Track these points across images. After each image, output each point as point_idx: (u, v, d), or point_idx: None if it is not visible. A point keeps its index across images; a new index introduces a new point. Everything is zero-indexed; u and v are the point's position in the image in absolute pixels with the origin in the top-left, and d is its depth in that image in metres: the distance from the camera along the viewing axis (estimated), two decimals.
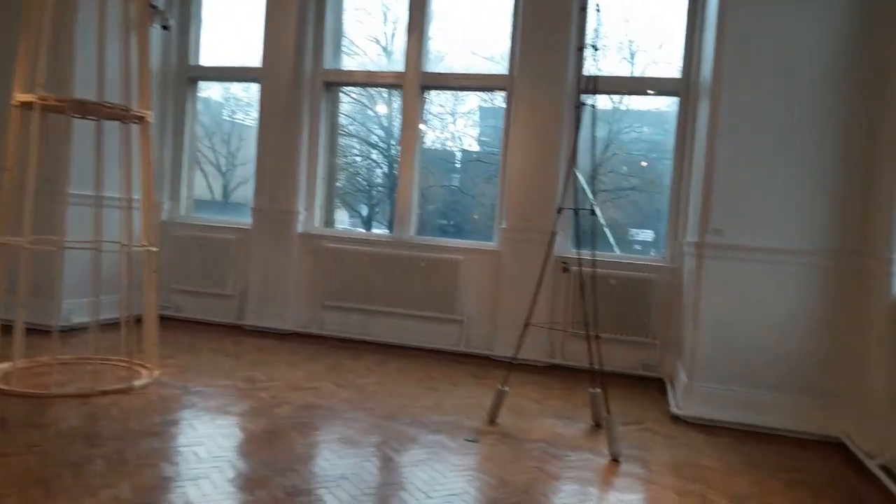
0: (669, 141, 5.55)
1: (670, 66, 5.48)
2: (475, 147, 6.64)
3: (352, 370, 4.85)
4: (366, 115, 6.76)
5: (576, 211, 3.87)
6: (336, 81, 6.29)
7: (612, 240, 5.67)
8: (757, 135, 4.05)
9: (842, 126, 3.93)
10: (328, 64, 6.23)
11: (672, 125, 5.49)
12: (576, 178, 3.83)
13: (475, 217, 6.44)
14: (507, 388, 3.86)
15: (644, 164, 6.11)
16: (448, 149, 6.64)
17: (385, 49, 6.41)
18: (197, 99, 6.77)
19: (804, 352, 4.01)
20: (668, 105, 5.76)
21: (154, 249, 4.33)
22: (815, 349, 3.99)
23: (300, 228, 6.13)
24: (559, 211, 3.94)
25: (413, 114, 5.94)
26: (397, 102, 6.28)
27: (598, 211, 3.84)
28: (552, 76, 5.43)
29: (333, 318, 6.03)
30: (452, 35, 6.14)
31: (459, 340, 5.72)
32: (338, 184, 6.80)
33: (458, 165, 6.70)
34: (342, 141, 6.71)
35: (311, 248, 6.09)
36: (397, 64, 6.12)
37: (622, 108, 5.94)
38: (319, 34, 6.16)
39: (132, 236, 4.15)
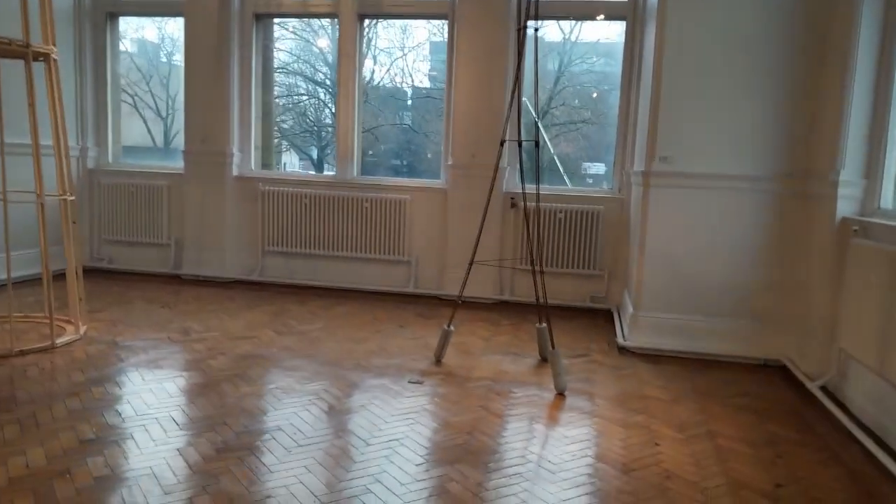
0: (619, 71, 5.37)
1: None
2: (426, 83, 6.35)
3: (295, 316, 4.69)
4: (310, 51, 6.38)
5: (519, 143, 3.70)
6: (266, 12, 5.88)
7: (563, 173, 5.55)
8: (703, 59, 3.91)
9: (787, 47, 3.81)
10: None
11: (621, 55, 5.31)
12: (520, 108, 3.64)
13: (429, 156, 6.21)
14: (452, 328, 3.76)
15: (595, 95, 5.95)
16: (398, 86, 6.34)
17: None
18: (118, 36, 6.26)
19: (748, 278, 4.00)
20: (617, 35, 5.55)
21: (71, 198, 4.02)
22: (760, 275, 3.98)
23: (235, 171, 5.82)
24: (502, 143, 3.76)
25: (350, 45, 5.61)
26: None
27: (546, 141, 3.67)
28: (496, 1, 5.16)
29: (277, 264, 5.82)
30: None
31: (408, 281, 5.59)
32: (284, 125, 6.49)
33: (409, 103, 6.42)
34: (286, 80, 6.35)
35: (248, 192, 5.80)
36: None
37: (572, 39, 5.72)
38: None
39: (42, 185, 3.83)
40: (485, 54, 5.22)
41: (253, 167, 5.94)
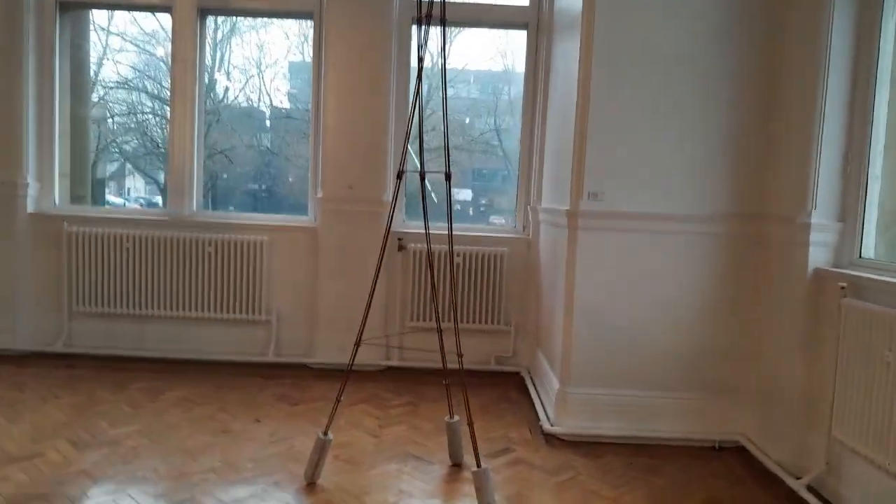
0: (490, 100, 4.65)
1: None
2: (286, 104, 5.29)
3: (107, 411, 3.38)
4: (156, 65, 5.06)
5: (422, 176, 2.74)
6: (76, 1, 4.52)
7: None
8: (637, 79, 3.16)
9: (735, 62, 3.16)
10: None
11: (493, 85, 4.56)
12: (421, 127, 2.68)
13: (290, 180, 5.20)
14: (330, 437, 2.67)
15: (466, 121, 5.19)
16: (255, 105, 5.22)
17: None
18: None
19: (699, 341, 3.27)
20: (489, 62, 4.82)
21: None
22: (713, 337, 3.27)
23: (31, 207, 4.37)
24: (399, 176, 2.76)
25: (187, 46, 4.39)
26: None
27: (451, 173, 2.72)
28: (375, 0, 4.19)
29: (89, 329, 4.40)
30: None
31: (267, 347, 4.40)
32: (127, 146, 5.25)
33: (267, 124, 5.36)
34: (129, 97, 5.00)
35: (49, 234, 4.36)
36: None
37: (439, 64, 4.88)
38: None
39: None
40: (362, 61, 4.22)
41: (57, 202, 4.50)
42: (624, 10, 3.14)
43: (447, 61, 3.22)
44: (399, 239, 4.33)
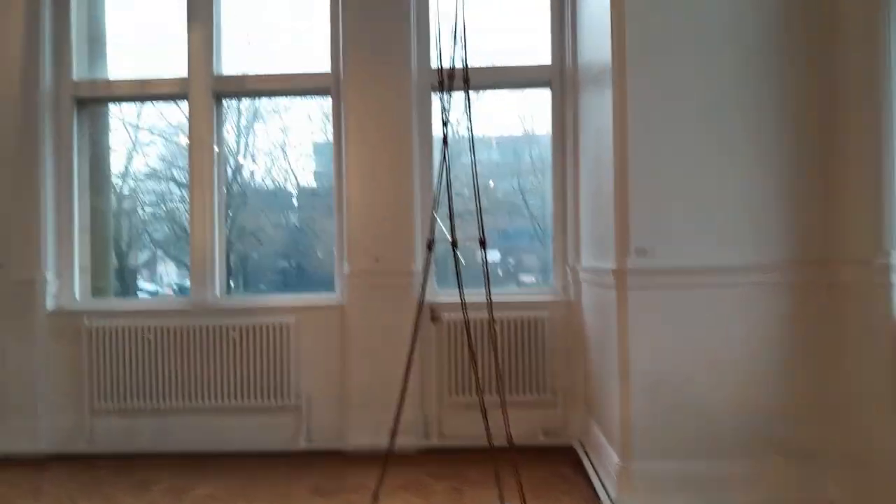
0: (512, 162, 4.69)
1: (532, 54, 4.38)
2: (312, 183, 5.27)
3: None
4: (182, 153, 5.08)
5: (454, 244, 2.55)
6: (93, 97, 4.52)
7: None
8: (677, 124, 3.00)
9: (789, 99, 2.98)
10: (80, 73, 4.46)
11: (514, 148, 4.56)
12: (450, 195, 2.51)
13: (320, 255, 5.10)
14: None
15: (491, 184, 5.05)
16: (282, 186, 5.20)
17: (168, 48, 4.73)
18: None
19: (773, 402, 2.96)
20: (510, 127, 4.74)
21: None
22: (788, 396, 2.96)
23: (50, 304, 4.24)
24: (429, 247, 2.57)
25: (204, 130, 4.34)
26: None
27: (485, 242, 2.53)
28: (392, 71, 4.13)
29: (111, 426, 4.17)
30: (255, 28, 4.65)
31: (298, 435, 4.13)
32: (157, 234, 5.20)
33: (295, 203, 5.31)
34: (158, 187, 4.98)
35: (69, 331, 4.20)
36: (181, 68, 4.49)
37: (457, 134, 4.82)
38: (63, 33, 4.38)
39: None
40: (381, 132, 4.13)
41: (77, 296, 4.37)
42: (658, 55, 3.00)
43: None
44: (432, 309, 4.11)
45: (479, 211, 2.45)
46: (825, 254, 2.94)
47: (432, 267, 4.17)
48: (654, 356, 2.97)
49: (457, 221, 3.51)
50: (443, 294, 4.18)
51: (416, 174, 4.15)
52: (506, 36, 4.41)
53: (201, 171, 4.32)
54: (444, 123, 2.49)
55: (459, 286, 2.67)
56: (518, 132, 4.94)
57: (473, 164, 2.46)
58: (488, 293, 2.48)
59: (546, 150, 4.44)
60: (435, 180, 4.27)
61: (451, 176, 4.28)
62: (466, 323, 2.77)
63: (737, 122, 2.98)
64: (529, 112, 4.74)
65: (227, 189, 4.65)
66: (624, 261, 2.98)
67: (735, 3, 3.00)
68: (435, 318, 4.12)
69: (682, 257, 2.96)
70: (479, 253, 3.87)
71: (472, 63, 2.59)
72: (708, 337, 2.96)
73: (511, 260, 5.15)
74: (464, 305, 2.68)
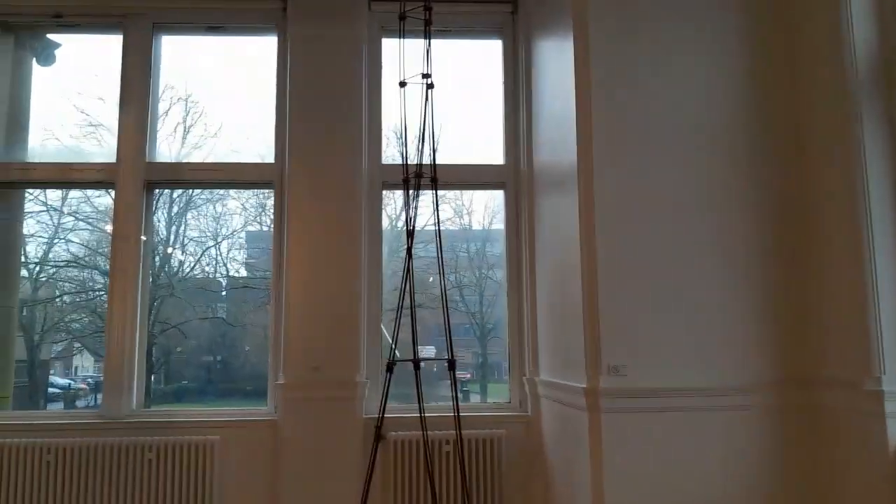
0: (449, 257, 4.35)
1: (486, 154, 4.24)
2: (243, 272, 4.91)
3: None
4: (108, 242, 4.67)
5: (416, 364, 2.23)
6: (6, 181, 4.09)
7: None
8: (649, 233, 2.83)
9: (763, 209, 2.88)
10: None
11: (451, 243, 4.37)
12: (413, 302, 2.21)
13: (247, 349, 4.75)
14: None
15: (430, 279, 4.85)
16: (211, 276, 4.82)
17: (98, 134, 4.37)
18: None
19: None
20: (447, 222, 4.62)
21: None
22: None
23: None
24: (390, 368, 2.24)
25: (130, 221, 3.95)
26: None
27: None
28: (341, 165, 3.88)
29: None
30: (195, 115, 4.37)
31: None
32: (75, 325, 4.75)
33: (223, 294, 4.92)
34: (80, 275, 4.52)
35: None
36: (108, 153, 4.12)
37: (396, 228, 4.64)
38: None
39: None
40: (329, 229, 3.83)
41: None
42: (625, 157, 2.86)
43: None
44: (377, 426, 3.69)
45: (448, 330, 2.15)
46: (806, 374, 2.75)
47: (379, 380, 3.84)
48: (632, 489, 2.66)
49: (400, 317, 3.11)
50: (389, 409, 3.77)
51: (364, 274, 3.84)
52: (458, 134, 4.28)
53: (125, 267, 3.89)
54: (409, 234, 2.22)
55: (420, 408, 2.33)
56: (454, 227, 4.81)
57: (441, 272, 2.18)
58: (457, 419, 2.15)
59: (483, 245, 4.29)
60: (384, 279, 4.00)
61: (389, 270, 4.09)
62: (427, 445, 2.40)
63: (711, 231, 2.84)
64: (467, 208, 4.62)
65: (153, 279, 4.23)
66: (596, 379, 2.71)
67: (706, 105, 2.93)
68: (381, 436, 3.69)
69: (658, 376, 2.72)
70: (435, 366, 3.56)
71: (418, 160, 2.38)
72: (688, 466, 2.68)
73: (447, 355, 4.88)
74: (424, 426, 2.34)
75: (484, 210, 4.69)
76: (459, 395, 3.16)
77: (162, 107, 4.23)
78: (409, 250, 2.24)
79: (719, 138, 2.92)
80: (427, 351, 4.68)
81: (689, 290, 2.80)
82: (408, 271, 2.21)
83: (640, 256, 2.81)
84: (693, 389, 2.72)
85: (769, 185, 2.89)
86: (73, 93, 4.26)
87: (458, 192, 4.37)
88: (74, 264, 4.66)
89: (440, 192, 4.19)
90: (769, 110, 2.94)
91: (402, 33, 2.40)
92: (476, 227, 4.61)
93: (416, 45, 2.93)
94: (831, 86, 2.67)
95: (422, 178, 2.29)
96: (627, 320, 2.75)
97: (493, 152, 4.19)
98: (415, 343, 2.28)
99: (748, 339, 2.79)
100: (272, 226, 4.07)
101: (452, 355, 2.15)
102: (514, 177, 4.09)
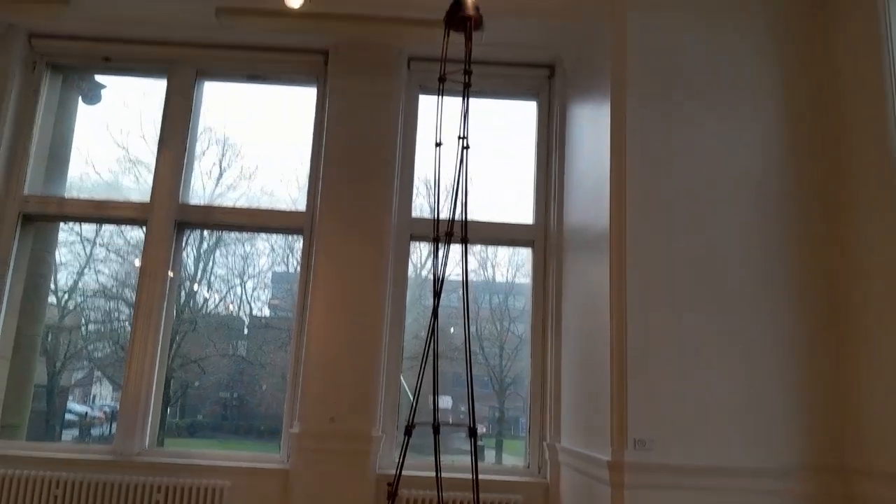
0: (471, 308, 4.33)
1: (515, 212, 4.24)
2: (266, 312, 4.94)
3: None
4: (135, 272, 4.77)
5: (436, 429, 2.18)
6: (42, 214, 4.16)
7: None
8: (680, 304, 2.79)
9: (800, 284, 2.82)
10: (32, 188, 4.14)
11: (474, 294, 4.38)
12: (436, 362, 2.17)
13: (263, 387, 4.72)
14: None
15: (451, 330, 4.81)
16: (234, 314, 4.86)
17: (136, 171, 4.47)
18: None
19: None
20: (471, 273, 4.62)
21: None
22: None
23: None
24: (409, 431, 2.19)
25: (159, 262, 3.99)
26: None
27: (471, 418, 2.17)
28: (371, 217, 3.89)
29: None
30: (235, 155, 4.47)
31: None
32: (97, 353, 4.83)
33: (245, 332, 5.04)
34: (106, 304, 4.61)
35: None
36: (144, 190, 4.20)
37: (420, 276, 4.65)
38: (22, 146, 4.10)
39: None
40: (355, 279, 3.82)
41: None
42: (660, 225, 2.84)
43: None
44: (388, 485, 3.59)
45: (471, 392, 2.10)
46: (839, 461, 2.64)
47: (394, 433, 3.76)
48: None
49: (410, 363, 3.06)
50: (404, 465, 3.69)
51: (386, 327, 3.81)
52: (489, 190, 4.31)
53: (149, 305, 3.91)
54: (436, 294, 2.19)
55: (437, 474, 2.26)
56: (478, 277, 4.79)
57: (467, 340, 2.13)
58: (475, 485, 2.08)
59: (506, 298, 4.27)
60: (406, 331, 3.96)
61: (409, 318, 4.05)
62: None
63: (745, 305, 2.78)
64: (491, 258, 4.61)
65: (178, 314, 4.26)
66: (621, 453, 2.62)
67: (743, 171, 2.91)
68: (393, 494, 3.60)
69: (686, 454, 2.62)
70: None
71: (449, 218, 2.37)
72: None
73: (463, 408, 4.79)
74: (440, 491, 2.27)
75: (508, 263, 4.67)
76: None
77: (200, 147, 4.33)
78: (434, 310, 2.20)
79: (755, 204, 2.89)
80: (444, 401, 4.61)
81: (723, 363, 2.72)
82: (432, 332, 2.16)
83: (671, 326, 2.75)
84: (723, 469, 2.62)
85: (807, 255, 2.84)
86: (115, 129, 4.39)
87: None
88: (102, 294, 4.72)
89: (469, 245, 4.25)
90: (807, 177, 2.91)
91: (440, 94, 2.41)
92: (500, 279, 4.58)
93: (452, 102, 2.97)
94: (876, 162, 2.64)
95: (451, 236, 2.27)
96: (656, 392, 2.67)
97: (523, 210, 4.20)
98: (435, 410, 2.23)
99: (784, 419, 2.69)
100: (298, 268, 4.08)
101: (474, 422, 2.08)
102: (543, 236, 4.07)
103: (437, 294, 2.24)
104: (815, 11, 3.07)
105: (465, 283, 2.29)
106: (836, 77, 2.94)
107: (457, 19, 2.38)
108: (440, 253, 2.32)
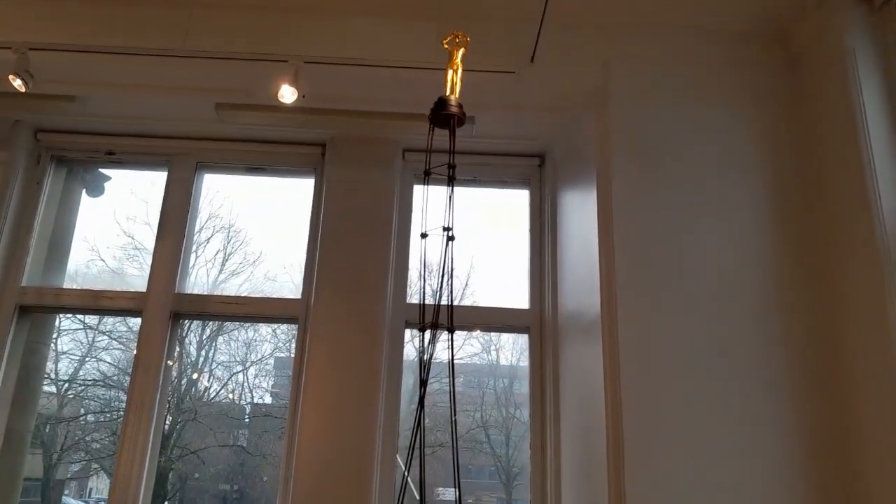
0: (475, 393, 4.60)
1: (512, 297, 4.24)
2: (267, 399, 4.91)
3: None
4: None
5: None
6: (39, 304, 4.18)
7: None
8: (676, 392, 2.73)
9: (801, 371, 2.76)
10: (31, 279, 4.17)
11: (478, 379, 4.50)
12: (423, 453, 2.11)
13: (265, 479, 4.75)
14: None
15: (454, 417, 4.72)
16: (235, 402, 4.83)
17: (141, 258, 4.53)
18: None
19: None
20: (474, 357, 4.62)
21: None
22: None
23: None
24: None
25: (152, 350, 3.95)
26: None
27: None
28: (365, 304, 3.88)
29: None
30: (238, 242, 4.55)
31: None
32: (95, 444, 4.83)
33: (246, 421, 5.06)
34: (107, 394, 4.65)
35: None
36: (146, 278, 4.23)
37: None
38: (22, 235, 4.18)
39: None
40: (349, 368, 3.77)
41: None
42: (648, 308, 2.84)
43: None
44: None
45: (458, 482, 2.03)
46: None
47: None
48: None
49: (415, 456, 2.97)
50: None
51: (381, 415, 3.72)
52: (484, 276, 4.34)
53: (141, 399, 3.84)
54: (423, 383, 2.16)
55: None
56: (482, 361, 4.72)
57: (454, 428, 2.09)
58: None
59: (510, 383, 4.18)
60: (404, 407, 3.87)
61: (412, 405, 3.96)
62: None
63: (747, 393, 2.72)
64: (494, 341, 4.57)
65: (178, 403, 4.20)
66: None
67: (733, 256, 2.91)
68: None
69: None
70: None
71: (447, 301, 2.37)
72: None
73: (470, 500, 4.62)
74: None
75: (512, 346, 4.62)
76: None
77: (204, 234, 4.40)
78: (420, 399, 2.17)
79: (746, 288, 2.88)
80: (448, 493, 4.44)
81: (720, 448, 2.64)
82: (418, 424, 2.12)
83: (669, 413, 2.70)
84: None
85: (801, 340, 2.81)
86: (121, 216, 4.48)
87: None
88: (101, 383, 4.69)
89: (466, 331, 4.23)
90: (798, 261, 2.90)
91: (426, 185, 2.47)
92: (504, 362, 4.53)
93: (443, 193, 3.02)
94: (863, 242, 2.64)
95: (438, 328, 2.26)
96: (654, 478, 2.58)
97: (518, 296, 4.19)
98: (422, 493, 2.16)
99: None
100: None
101: None
102: (539, 322, 4.04)
103: (423, 383, 2.21)
104: (794, 89, 3.15)
105: (452, 373, 2.26)
106: (816, 148, 2.99)
107: (440, 117, 2.46)
108: (426, 341, 2.30)
